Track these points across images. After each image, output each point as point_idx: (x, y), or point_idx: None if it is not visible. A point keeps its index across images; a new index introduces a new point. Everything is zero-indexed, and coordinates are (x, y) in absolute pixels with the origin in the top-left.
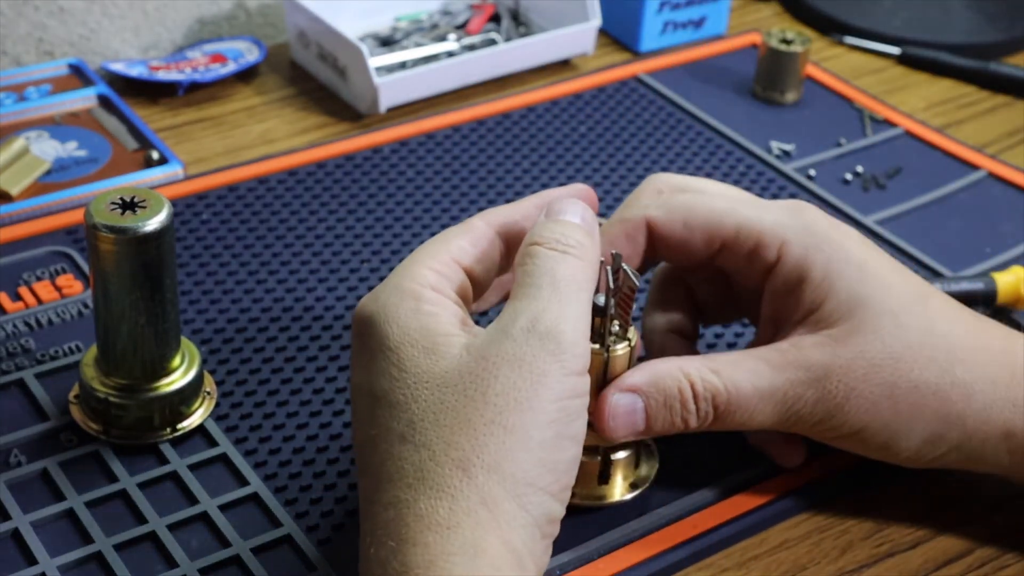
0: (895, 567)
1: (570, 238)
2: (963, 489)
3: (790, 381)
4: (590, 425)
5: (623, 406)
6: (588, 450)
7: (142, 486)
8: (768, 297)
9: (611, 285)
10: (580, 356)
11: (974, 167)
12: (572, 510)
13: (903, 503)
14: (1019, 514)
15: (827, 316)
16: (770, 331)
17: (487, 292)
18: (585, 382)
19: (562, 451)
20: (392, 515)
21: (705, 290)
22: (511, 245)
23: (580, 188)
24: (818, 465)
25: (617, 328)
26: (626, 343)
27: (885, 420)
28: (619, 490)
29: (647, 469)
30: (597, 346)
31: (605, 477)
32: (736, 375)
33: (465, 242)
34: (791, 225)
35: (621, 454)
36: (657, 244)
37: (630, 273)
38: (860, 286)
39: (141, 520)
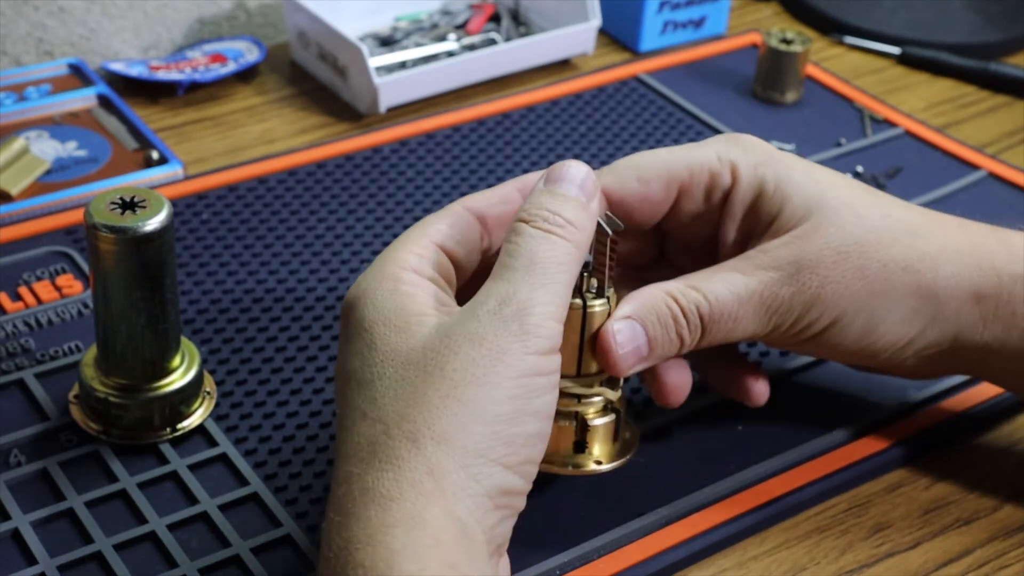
0: (895, 567)
1: (559, 216)
2: (963, 489)
3: (763, 282)
4: (583, 376)
5: (624, 333)
6: (565, 416)
7: (142, 486)
8: (728, 225)
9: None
10: (546, 337)
11: (974, 167)
12: (569, 495)
13: (902, 503)
14: (1019, 514)
15: (787, 221)
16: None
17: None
18: (552, 361)
19: (520, 425)
20: (343, 491)
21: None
22: (491, 228)
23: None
24: (816, 466)
25: (596, 285)
26: (604, 300)
27: (861, 302)
28: (595, 459)
29: (627, 442)
30: (576, 301)
31: (582, 446)
32: (713, 286)
33: (444, 225)
34: (733, 149)
35: (598, 421)
36: (616, 210)
37: (603, 224)
38: (813, 186)
39: (141, 520)
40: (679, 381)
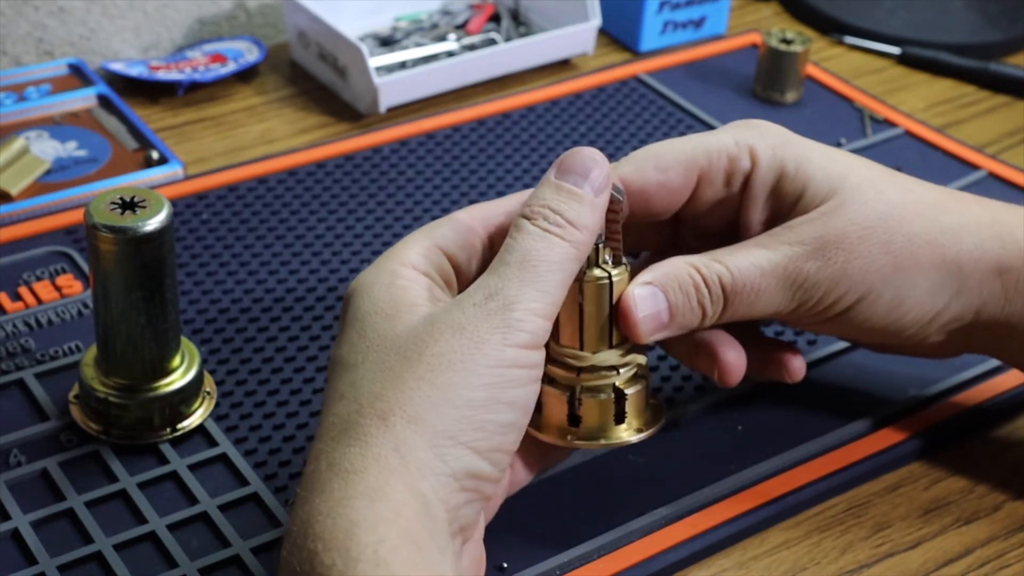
0: (895, 567)
1: (560, 216)
2: (963, 489)
3: (788, 256)
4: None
5: (645, 298)
6: (597, 390)
7: (142, 486)
8: (751, 209)
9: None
10: (528, 332)
11: (974, 167)
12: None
13: (903, 503)
14: (1019, 514)
15: (811, 200)
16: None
17: None
18: (532, 356)
19: (494, 413)
20: (312, 467)
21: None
22: (494, 239)
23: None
24: (816, 466)
25: (610, 259)
26: (623, 267)
27: (887, 277)
28: (636, 428)
29: (656, 408)
30: (598, 271)
31: (621, 417)
32: (736, 259)
33: (447, 230)
34: (750, 133)
35: (631, 390)
36: (635, 200)
37: (613, 194)
38: (833, 166)
39: (141, 520)
40: (737, 360)
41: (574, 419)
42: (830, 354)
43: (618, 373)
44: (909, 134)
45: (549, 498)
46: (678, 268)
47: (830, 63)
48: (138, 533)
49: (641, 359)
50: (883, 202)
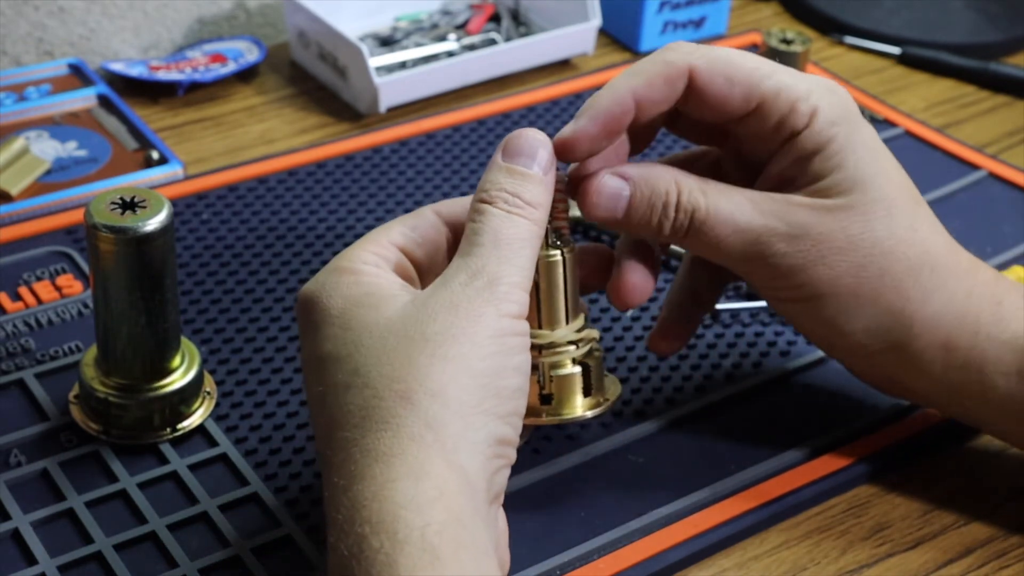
0: (895, 567)
1: (519, 198)
2: (963, 489)
3: (767, 228)
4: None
5: (610, 187)
6: (564, 365)
7: (142, 486)
8: (777, 160)
9: None
10: (516, 302)
11: (974, 167)
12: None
13: (903, 503)
14: (1019, 514)
15: (828, 187)
16: (768, 180)
17: None
18: (523, 325)
19: (504, 379)
20: (342, 457)
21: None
22: (459, 234)
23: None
24: (816, 466)
25: (557, 237)
26: (572, 244)
27: (842, 297)
28: (604, 397)
29: (612, 381)
30: (550, 250)
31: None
32: (721, 202)
33: (406, 227)
34: (825, 96)
35: (593, 362)
36: (693, 95)
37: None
38: (867, 167)
39: (141, 520)
40: (640, 284)
41: (544, 397)
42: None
43: (576, 347)
44: (909, 134)
45: (549, 498)
46: (661, 179)
47: (830, 63)
48: (138, 533)
49: (595, 333)
50: (884, 227)
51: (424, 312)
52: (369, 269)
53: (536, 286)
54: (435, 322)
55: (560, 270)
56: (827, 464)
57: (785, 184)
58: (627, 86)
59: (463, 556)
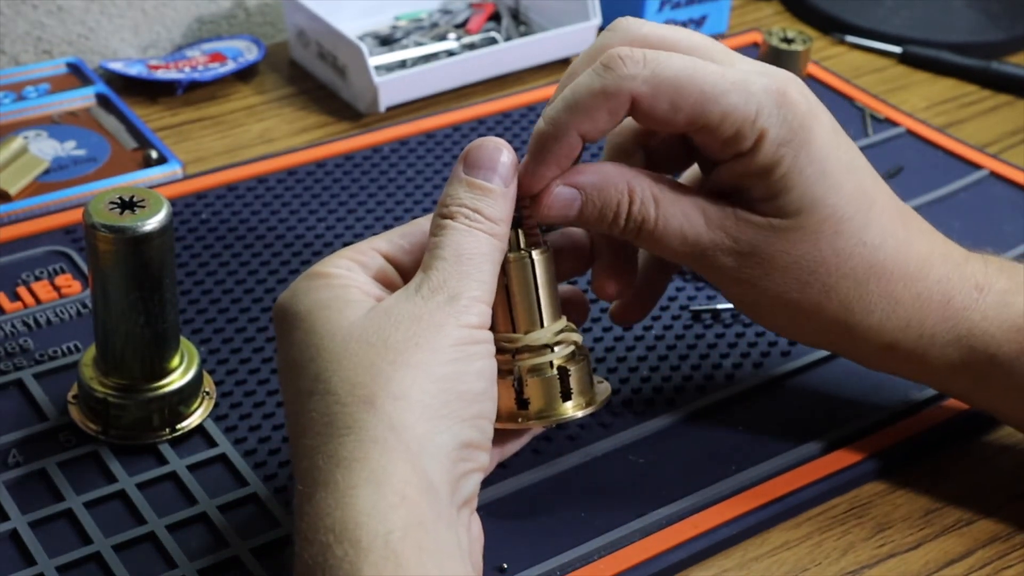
0: (896, 568)
1: (479, 214)
2: (964, 490)
3: (715, 243)
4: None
5: (563, 197)
6: (542, 369)
7: (141, 486)
8: (727, 167)
9: None
10: (477, 315)
11: (976, 166)
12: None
13: (904, 504)
14: (1020, 515)
15: (776, 208)
16: (718, 182)
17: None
18: (484, 335)
19: (467, 384)
20: (306, 464)
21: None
22: None
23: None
24: (818, 466)
25: (524, 239)
26: (543, 247)
27: (786, 308)
28: (582, 405)
29: (600, 387)
30: (520, 253)
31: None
32: (671, 212)
33: (396, 235)
34: (772, 118)
35: (574, 367)
36: (636, 115)
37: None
38: (815, 186)
39: (140, 520)
40: (618, 272)
41: (522, 402)
42: (832, 353)
43: (553, 351)
44: (910, 133)
45: (549, 498)
46: (615, 188)
47: (831, 62)
48: (137, 534)
49: (575, 337)
50: (830, 245)
51: (388, 320)
52: (340, 273)
53: (507, 290)
54: (397, 331)
55: (529, 273)
56: (829, 464)
57: (736, 189)
58: (570, 125)
59: (425, 560)
